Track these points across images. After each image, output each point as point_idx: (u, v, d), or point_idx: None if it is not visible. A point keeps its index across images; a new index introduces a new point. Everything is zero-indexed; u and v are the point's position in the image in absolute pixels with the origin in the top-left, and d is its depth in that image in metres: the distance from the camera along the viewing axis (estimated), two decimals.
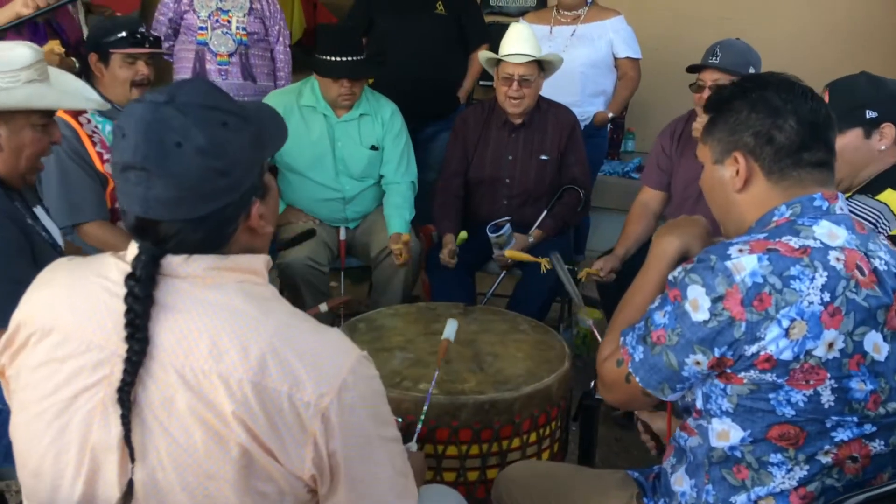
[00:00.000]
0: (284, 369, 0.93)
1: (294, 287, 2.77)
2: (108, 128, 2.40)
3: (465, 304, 2.38)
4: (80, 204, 2.33)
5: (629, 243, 2.68)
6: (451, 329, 1.85)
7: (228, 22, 3.23)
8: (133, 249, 0.98)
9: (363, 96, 2.91)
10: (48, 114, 1.68)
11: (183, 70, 3.30)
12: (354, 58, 2.74)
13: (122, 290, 0.95)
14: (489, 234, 2.76)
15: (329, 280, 2.98)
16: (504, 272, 2.94)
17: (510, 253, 2.61)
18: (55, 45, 2.65)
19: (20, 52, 1.62)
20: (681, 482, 1.27)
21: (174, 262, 0.96)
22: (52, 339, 0.98)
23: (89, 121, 2.38)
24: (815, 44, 4.10)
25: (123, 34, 2.34)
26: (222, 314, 0.95)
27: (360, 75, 2.80)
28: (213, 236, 0.98)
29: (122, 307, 0.94)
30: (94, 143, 2.36)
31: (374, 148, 2.93)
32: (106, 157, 2.37)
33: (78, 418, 0.96)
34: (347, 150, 2.90)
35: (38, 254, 1.69)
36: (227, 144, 0.95)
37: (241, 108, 1.00)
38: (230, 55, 3.24)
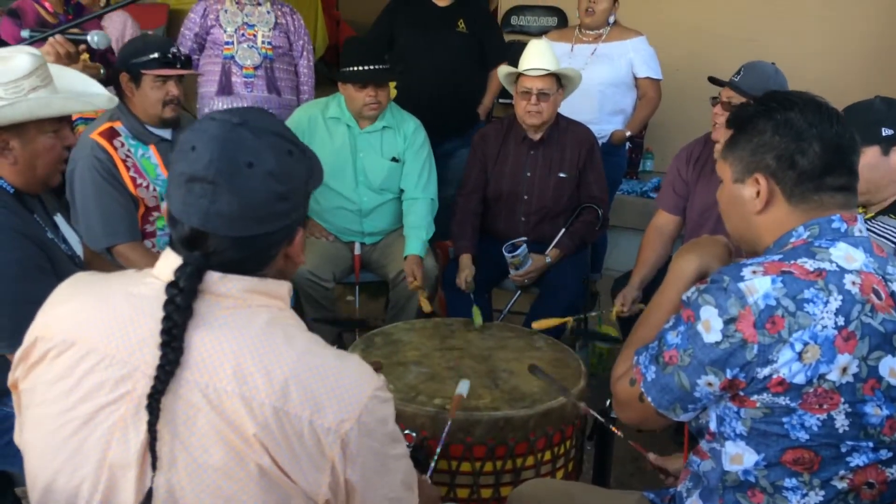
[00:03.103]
0: (306, 395, 0.94)
1: (295, 298, 2.79)
2: (141, 151, 2.43)
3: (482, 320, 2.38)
4: (115, 226, 2.36)
5: (645, 270, 2.64)
6: (464, 387, 1.82)
7: (254, 36, 3.29)
8: (170, 262, 0.99)
9: (387, 110, 2.95)
10: (59, 119, 1.66)
11: (209, 83, 3.36)
12: (377, 66, 2.80)
13: (150, 305, 0.96)
14: (505, 253, 2.76)
15: (335, 294, 2.99)
16: (520, 290, 2.94)
17: (537, 324, 2.43)
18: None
19: (20, 60, 1.58)
20: None
21: (212, 279, 0.98)
22: (72, 353, 0.98)
23: (123, 144, 2.40)
24: (839, 66, 4.08)
25: (155, 55, 2.36)
26: (248, 338, 0.96)
27: (384, 79, 2.84)
28: (257, 257, 1.01)
29: (149, 323, 0.95)
30: (127, 168, 2.39)
31: (395, 160, 2.96)
32: (139, 181, 2.40)
33: (97, 435, 0.95)
34: (369, 160, 2.93)
35: (59, 269, 1.68)
36: (291, 172, 0.99)
37: (300, 140, 1.04)
38: (255, 68, 3.30)
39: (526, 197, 2.96)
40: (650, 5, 4.26)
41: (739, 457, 1.15)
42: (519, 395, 1.88)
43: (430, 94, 3.39)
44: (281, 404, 0.93)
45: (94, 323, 0.98)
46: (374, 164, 2.94)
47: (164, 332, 0.93)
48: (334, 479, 0.96)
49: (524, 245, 2.77)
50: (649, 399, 1.19)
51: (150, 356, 0.94)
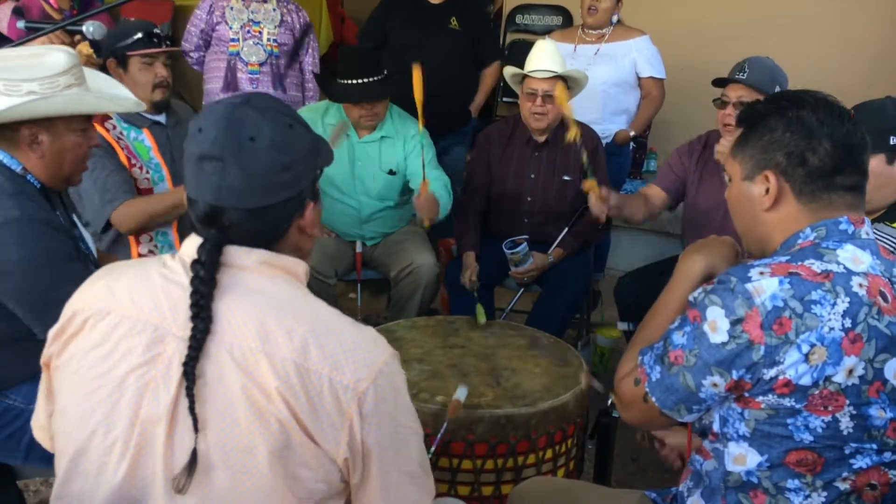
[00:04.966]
0: (325, 353, 1.00)
1: None
2: (134, 135, 2.43)
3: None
4: (110, 187, 2.31)
5: (624, 198, 2.67)
6: (461, 393, 1.80)
7: (259, 33, 3.31)
8: (194, 242, 1.05)
9: (388, 118, 2.89)
10: (87, 118, 1.70)
11: (214, 80, 3.37)
12: (373, 78, 2.72)
13: (181, 277, 1.04)
14: (505, 249, 2.76)
15: (337, 291, 2.98)
16: (522, 289, 2.94)
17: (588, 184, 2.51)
18: (83, 47, 2.70)
19: (56, 57, 1.62)
20: None
21: (232, 252, 1.05)
22: (108, 320, 1.04)
23: (115, 126, 2.40)
24: (841, 64, 4.08)
25: (139, 35, 2.37)
26: (269, 302, 1.03)
27: (377, 96, 2.76)
28: (269, 229, 1.07)
29: (179, 291, 1.02)
30: (121, 148, 2.38)
31: (391, 172, 2.91)
32: (133, 162, 2.39)
33: (129, 394, 1.01)
34: (366, 170, 2.90)
35: (81, 261, 1.70)
36: (293, 143, 1.07)
37: (303, 118, 1.12)
38: (261, 64, 3.32)
39: (530, 199, 2.96)
40: (654, 5, 4.25)
41: (742, 457, 1.15)
42: (521, 394, 1.89)
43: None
44: (302, 360, 0.99)
45: (128, 293, 1.05)
46: (371, 175, 2.91)
47: (192, 304, 0.99)
48: (352, 438, 1.01)
49: (525, 243, 2.76)
50: (654, 399, 1.19)
51: (182, 321, 1.01)
